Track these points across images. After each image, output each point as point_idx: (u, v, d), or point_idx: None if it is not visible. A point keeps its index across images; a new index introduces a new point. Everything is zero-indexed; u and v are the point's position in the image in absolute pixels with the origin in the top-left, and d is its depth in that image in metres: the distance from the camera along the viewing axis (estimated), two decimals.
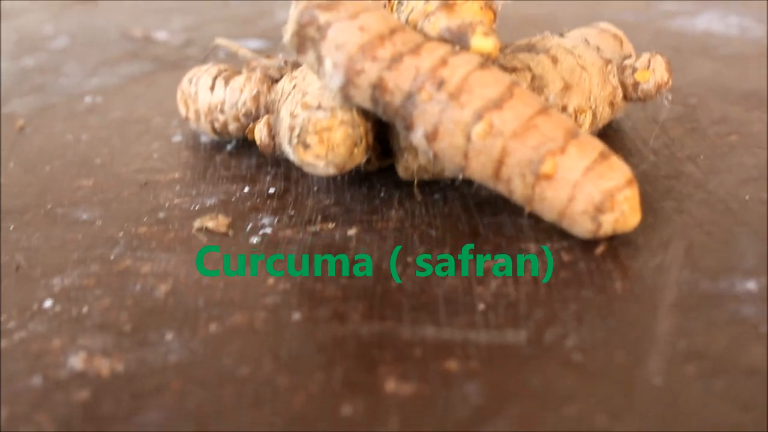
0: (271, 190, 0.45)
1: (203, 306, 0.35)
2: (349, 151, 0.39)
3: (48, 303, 0.36)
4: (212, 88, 0.47)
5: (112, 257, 0.39)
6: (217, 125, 0.47)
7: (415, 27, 0.39)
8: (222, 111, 0.46)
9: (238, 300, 0.36)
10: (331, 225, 0.41)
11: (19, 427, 0.29)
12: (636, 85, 0.45)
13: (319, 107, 0.38)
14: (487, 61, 0.38)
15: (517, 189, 0.37)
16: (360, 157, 0.39)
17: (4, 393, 0.31)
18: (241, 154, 0.48)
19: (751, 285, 0.35)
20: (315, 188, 0.44)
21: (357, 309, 0.35)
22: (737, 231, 0.39)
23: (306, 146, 0.39)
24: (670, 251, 0.38)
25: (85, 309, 0.35)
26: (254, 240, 0.40)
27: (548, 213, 0.38)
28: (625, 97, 0.46)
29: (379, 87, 0.36)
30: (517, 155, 0.36)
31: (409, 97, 0.36)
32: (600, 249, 0.38)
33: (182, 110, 0.50)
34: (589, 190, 0.36)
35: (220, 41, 0.51)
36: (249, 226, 0.41)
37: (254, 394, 0.30)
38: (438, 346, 0.32)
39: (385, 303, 0.35)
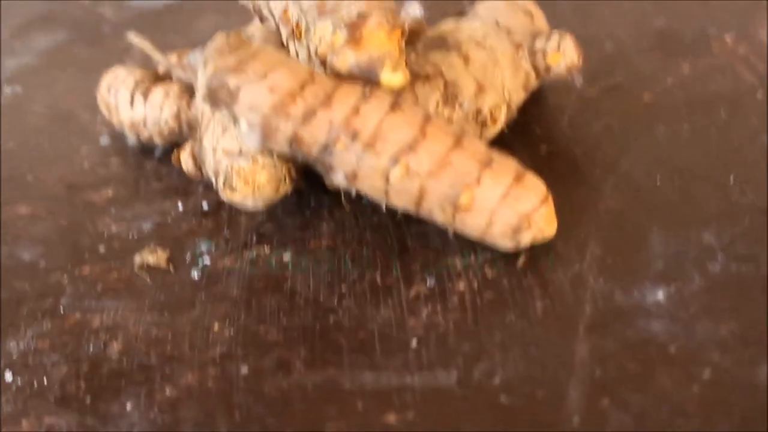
0: (205, 206, 0.46)
1: (156, 363, 0.38)
2: (274, 189, 0.40)
3: (8, 376, 0.38)
4: (132, 103, 0.47)
5: (61, 310, 0.41)
6: (142, 137, 0.48)
7: (324, 61, 0.40)
8: (145, 126, 0.47)
9: (188, 354, 0.38)
10: (266, 249, 0.43)
11: None
12: (548, 68, 0.46)
13: (240, 153, 0.40)
14: (398, 99, 0.39)
15: (439, 218, 0.40)
16: (286, 188, 0.41)
17: None
18: (170, 160, 0.49)
19: (660, 295, 0.38)
20: None
21: (299, 355, 0.38)
22: (648, 226, 0.42)
23: (233, 189, 0.40)
24: (587, 258, 0.40)
25: (44, 380, 0.38)
26: (195, 274, 0.42)
27: (470, 234, 0.40)
28: (537, 78, 0.47)
29: (295, 141, 0.38)
30: (435, 192, 0.38)
31: (326, 147, 0.38)
32: (521, 261, 0.41)
33: (105, 113, 0.50)
34: (506, 215, 0.39)
35: (134, 39, 0.50)
36: (188, 257, 0.43)
37: None
38: (377, 396, 0.35)
39: (325, 345, 0.38)
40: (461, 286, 0.40)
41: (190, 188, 0.47)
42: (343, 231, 0.43)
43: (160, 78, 0.49)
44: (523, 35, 0.47)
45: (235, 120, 0.37)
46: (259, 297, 0.40)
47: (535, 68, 0.46)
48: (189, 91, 0.46)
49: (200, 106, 0.45)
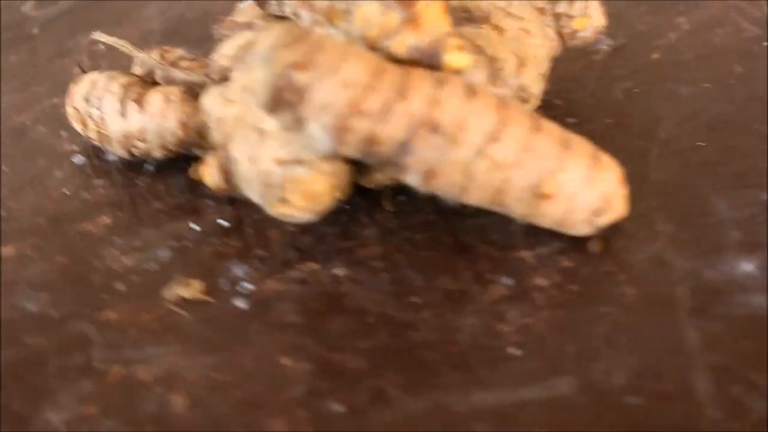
0: (223, 223, 0.41)
1: (233, 413, 0.33)
2: (331, 197, 0.36)
3: None
4: (123, 113, 0.41)
5: (96, 364, 0.35)
6: (136, 151, 0.42)
7: (373, 45, 0.35)
8: (144, 140, 0.41)
9: (266, 397, 0.34)
10: (313, 266, 0.38)
11: None
12: (574, 33, 0.44)
13: (297, 162, 0.35)
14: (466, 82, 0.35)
15: (515, 210, 0.36)
16: (340, 195, 0.37)
17: None
18: (165, 174, 0.44)
19: (749, 267, 0.36)
20: None
21: (393, 381, 0.34)
22: (707, 192, 0.40)
23: (285, 202, 0.36)
24: (659, 235, 0.38)
25: None
26: (240, 303, 0.37)
27: (544, 223, 0.37)
28: (563, 44, 0.44)
29: (370, 141, 0.34)
30: (518, 182, 0.35)
31: (404, 145, 0.34)
32: (595, 246, 0.38)
33: (79, 128, 0.44)
34: (588, 199, 0.36)
35: (99, 36, 0.44)
36: (225, 283, 0.38)
37: None
38: (496, 416, 0.32)
39: (417, 366, 0.34)
40: (540, 281, 0.37)
41: (199, 205, 0.42)
42: (390, 235, 0.40)
43: (145, 81, 0.43)
44: None
45: (300, 124, 0.33)
46: (322, 320, 0.36)
47: (559, 33, 0.44)
48: (191, 93, 0.41)
49: (214, 110, 0.40)
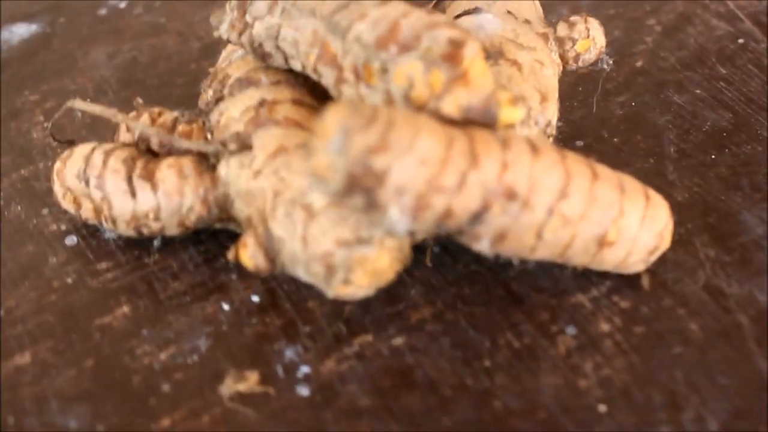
0: (255, 299, 0.39)
1: None
2: (394, 272, 0.35)
3: None
4: (132, 193, 0.38)
5: None
6: (147, 231, 0.39)
7: (420, 106, 0.34)
8: (158, 219, 0.38)
9: None
10: (368, 338, 0.37)
11: None
12: (577, 56, 0.43)
13: (360, 241, 0.33)
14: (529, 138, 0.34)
15: (578, 261, 0.36)
16: (401, 267, 0.35)
17: None
18: (174, 249, 0.41)
19: None
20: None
21: None
22: (736, 207, 0.41)
23: (348, 283, 0.34)
24: (703, 261, 0.39)
25: None
26: (303, 391, 0.35)
27: (601, 268, 0.37)
28: (565, 67, 0.44)
29: (446, 215, 0.32)
30: (585, 235, 0.35)
31: (478, 216, 0.32)
32: (646, 281, 0.38)
33: (69, 207, 0.40)
34: (645, 240, 0.36)
35: (75, 104, 0.41)
36: (279, 370, 0.36)
37: None
38: None
39: None
40: (604, 326, 0.37)
41: (222, 280, 0.40)
42: (438, 292, 0.38)
43: (141, 151, 0.40)
44: (538, 20, 0.43)
45: (376, 206, 0.31)
46: (397, 399, 0.35)
47: (563, 57, 0.43)
48: (203, 163, 0.38)
49: (238, 182, 0.37)
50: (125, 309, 0.39)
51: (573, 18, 0.43)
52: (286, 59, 0.39)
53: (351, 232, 0.33)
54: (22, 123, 0.48)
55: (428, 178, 0.31)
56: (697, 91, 0.47)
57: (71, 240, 0.42)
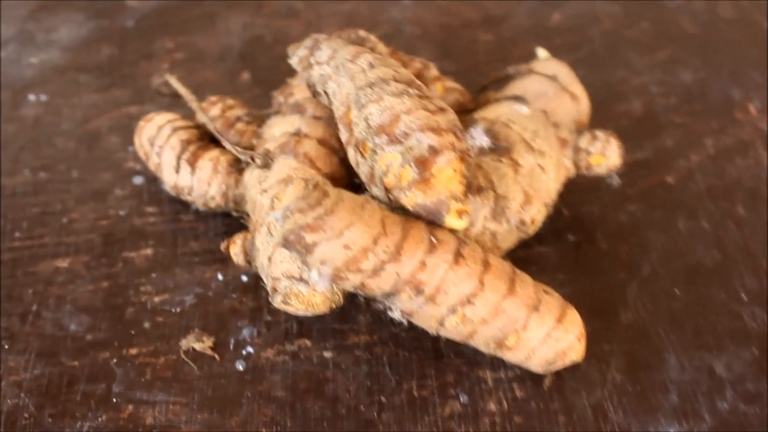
0: (244, 278, 0.48)
1: None
2: (327, 307, 0.42)
3: None
4: (177, 169, 0.48)
5: (114, 398, 0.43)
6: (183, 198, 0.49)
7: (387, 192, 0.41)
8: (190, 194, 0.48)
9: None
10: (308, 343, 0.45)
11: None
12: (589, 167, 0.48)
13: (301, 279, 0.41)
14: (461, 245, 0.40)
15: (481, 349, 0.42)
16: (336, 305, 0.43)
17: None
18: (207, 215, 0.50)
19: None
20: None
21: None
22: (666, 345, 0.45)
23: (287, 303, 0.42)
24: (608, 383, 0.44)
25: None
26: (239, 365, 0.44)
27: (507, 360, 0.43)
28: (576, 173, 0.49)
29: (361, 288, 0.39)
30: (484, 334, 0.41)
31: (389, 295, 0.40)
32: (547, 382, 0.44)
33: (141, 156, 0.51)
34: (544, 353, 0.42)
35: (171, 80, 0.50)
36: (232, 343, 0.45)
37: None
38: None
39: None
40: (492, 406, 0.43)
41: (228, 255, 0.48)
42: (380, 326, 0.46)
43: (201, 137, 0.49)
44: (569, 125, 0.48)
45: (306, 265, 0.39)
46: (303, 401, 0.43)
47: (576, 164, 0.48)
48: (236, 165, 0.47)
49: (252, 191, 0.46)
50: (149, 251, 0.49)
51: (598, 133, 0.48)
52: (329, 102, 0.46)
53: (297, 270, 0.42)
54: (150, 65, 0.58)
55: (348, 260, 0.38)
56: (704, 224, 0.50)
57: (138, 180, 0.52)
